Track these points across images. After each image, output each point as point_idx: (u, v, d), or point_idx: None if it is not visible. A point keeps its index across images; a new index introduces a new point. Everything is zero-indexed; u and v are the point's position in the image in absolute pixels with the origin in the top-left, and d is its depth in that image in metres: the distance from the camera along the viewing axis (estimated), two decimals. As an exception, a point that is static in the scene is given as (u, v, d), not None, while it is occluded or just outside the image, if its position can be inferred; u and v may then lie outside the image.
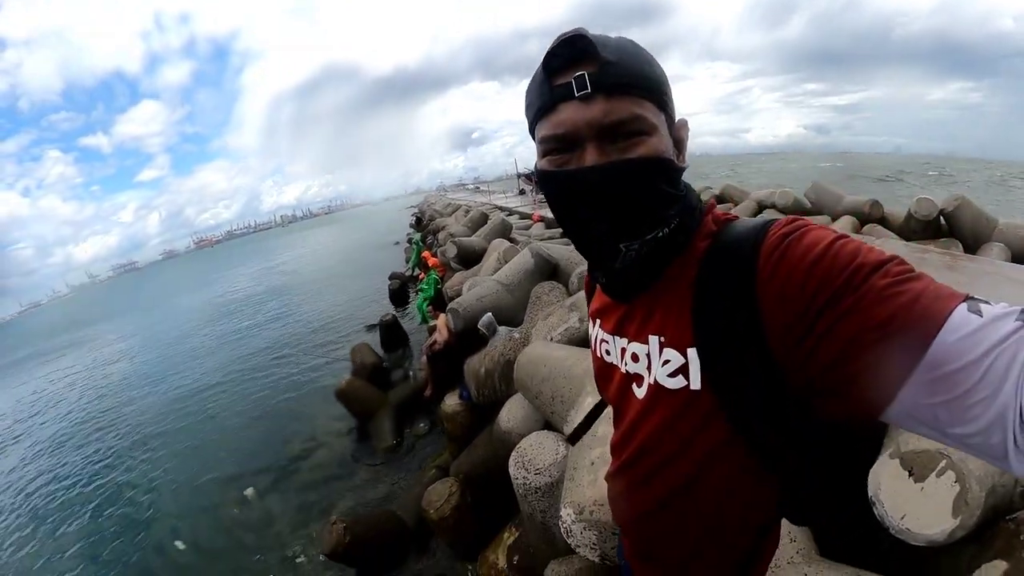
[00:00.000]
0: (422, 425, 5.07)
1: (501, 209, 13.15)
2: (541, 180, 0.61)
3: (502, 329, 4.07)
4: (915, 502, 1.31)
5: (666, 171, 0.58)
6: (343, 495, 4.39)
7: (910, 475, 1.33)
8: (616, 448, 0.77)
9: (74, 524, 5.51)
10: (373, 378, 5.89)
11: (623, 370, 0.71)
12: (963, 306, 0.40)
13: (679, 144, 0.63)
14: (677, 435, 0.63)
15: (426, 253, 9.59)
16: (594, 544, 1.69)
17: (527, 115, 0.62)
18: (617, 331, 0.72)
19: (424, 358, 5.19)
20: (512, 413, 2.95)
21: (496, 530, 2.75)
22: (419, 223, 22.67)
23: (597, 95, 0.53)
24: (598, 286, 0.79)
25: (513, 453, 2.27)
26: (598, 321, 0.79)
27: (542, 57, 0.56)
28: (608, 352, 0.75)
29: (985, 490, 1.26)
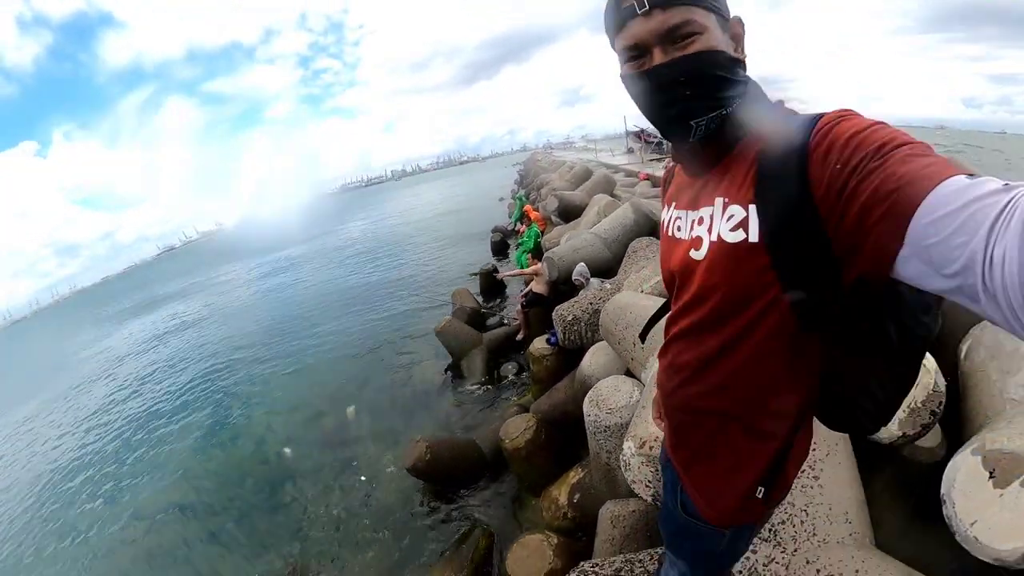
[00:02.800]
0: (511, 367, 5.30)
1: (607, 167, 12.74)
2: (624, 83, 0.75)
3: (594, 280, 4.11)
4: (991, 509, 1.20)
5: (720, 60, 0.69)
6: (432, 420, 4.79)
7: (990, 477, 1.23)
8: (677, 315, 0.86)
9: (205, 422, 6.57)
10: (470, 320, 6.24)
11: (688, 237, 0.80)
12: (963, 175, 0.46)
13: (736, 39, 0.74)
14: (732, 288, 0.72)
15: (528, 207, 9.72)
16: (649, 482, 1.76)
17: (608, 35, 0.75)
18: (691, 205, 0.82)
19: (520, 304, 5.41)
20: (596, 359, 3.03)
21: (564, 469, 2.89)
22: (522, 181, 22.65)
23: (654, 9, 0.66)
24: (676, 171, 0.92)
25: (590, 392, 2.36)
26: (672, 204, 0.90)
27: None
28: (679, 228, 0.84)
29: (1077, 512, 1.13)
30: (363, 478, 4.18)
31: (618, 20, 0.71)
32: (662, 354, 0.94)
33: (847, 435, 1.79)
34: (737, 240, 0.69)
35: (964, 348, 2.14)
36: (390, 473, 4.07)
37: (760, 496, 0.82)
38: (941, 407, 1.66)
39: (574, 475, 2.76)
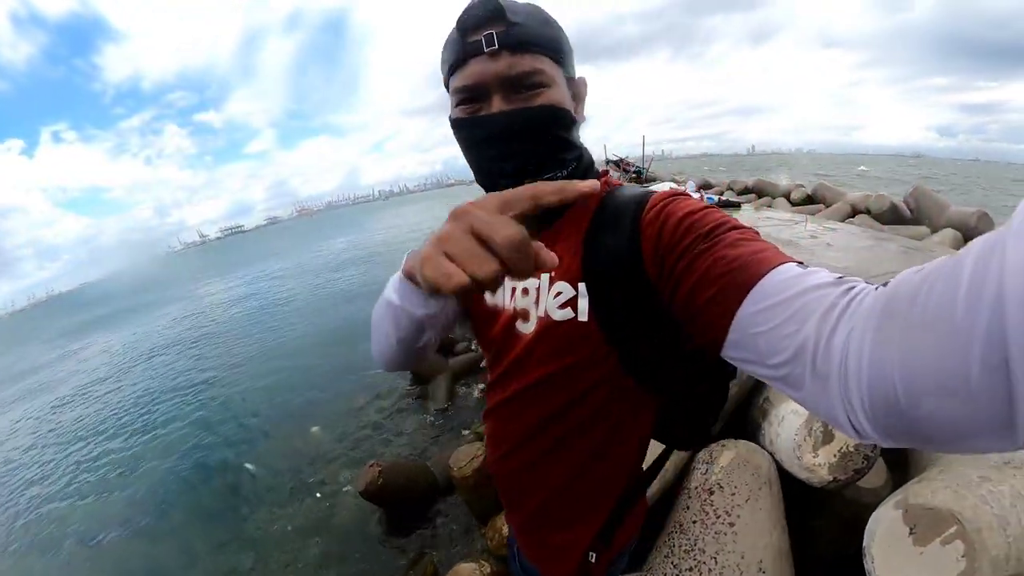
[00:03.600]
0: (475, 393, 5.32)
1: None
2: (454, 127, 0.69)
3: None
4: (909, 568, 1.15)
5: (562, 119, 0.66)
6: (393, 444, 4.84)
7: (911, 533, 1.16)
8: (496, 386, 0.82)
9: (167, 437, 6.57)
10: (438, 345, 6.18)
11: (510, 307, 0.75)
12: (793, 263, 0.47)
13: (577, 98, 0.71)
14: (563, 364, 0.69)
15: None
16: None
17: (442, 70, 0.68)
18: None
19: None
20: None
21: None
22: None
23: (503, 51, 0.61)
24: None
25: (487, 461, 2.28)
26: None
27: (457, 17, 0.63)
28: (491, 294, 0.80)
29: (1000, 576, 1.08)
30: (319, 495, 4.25)
31: (459, 56, 0.64)
32: (485, 419, 0.89)
33: (776, 479, 1.69)
34: (565, 318, 0.67)
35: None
36: (348, 495, 4.10)
37: (593, 561, 0.79)
38: (876, 451, 1.59)
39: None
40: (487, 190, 0.69)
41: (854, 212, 7.30)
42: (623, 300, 0.61)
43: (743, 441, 1.83)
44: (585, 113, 0.71)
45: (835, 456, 1.57)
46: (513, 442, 0.80)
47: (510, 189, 0.45)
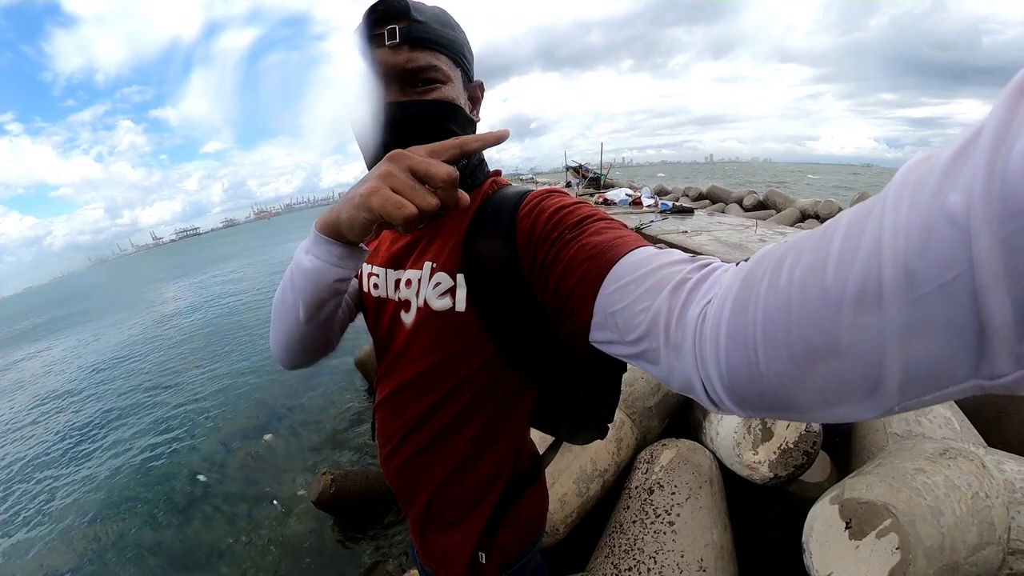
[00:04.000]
0: None
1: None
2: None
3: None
4: (846, 561, 1.13)
5: (456, 115, 0.68)
6: (348, 451, 4.74)
7: (847, 527, 1.14)
8: (383, 378, 0.81)
9: (115, 446, 6.20)
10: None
11: (394, 298, 0.75)
12: (652, 247, 0.48)
13: (474, 100, 0.75)
14: (443, 353, 0.70)
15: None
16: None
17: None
18: (395, 263, 0.76)
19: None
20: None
21: None
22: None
23: (403, 46, 0.63)
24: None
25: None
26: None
27: (365, 9, 0.65)
28: (376, 286, 0.79)
29: (934, 568, 1.06)
30: (273, 503, 4.11)
31: (363, 46, 0.66)
32: (375, 414, 0.87)
33: (718, 477, 1.65)
34: (444, 308, 0.68)
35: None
36: (302, 504, 3.97)
37: (483, 562, 0.79)
38: (816, 447, 1.57)
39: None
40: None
41: (804, 217, 7.58)
42: (499, 292, 0.62)
43: (685, 440, 1.79)
44: (482, 114, 0.76)
45: (775, 453, 1.54)
46: (399, 437, 0.78)
47: (437, 141, 0.54)
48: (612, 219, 0.56)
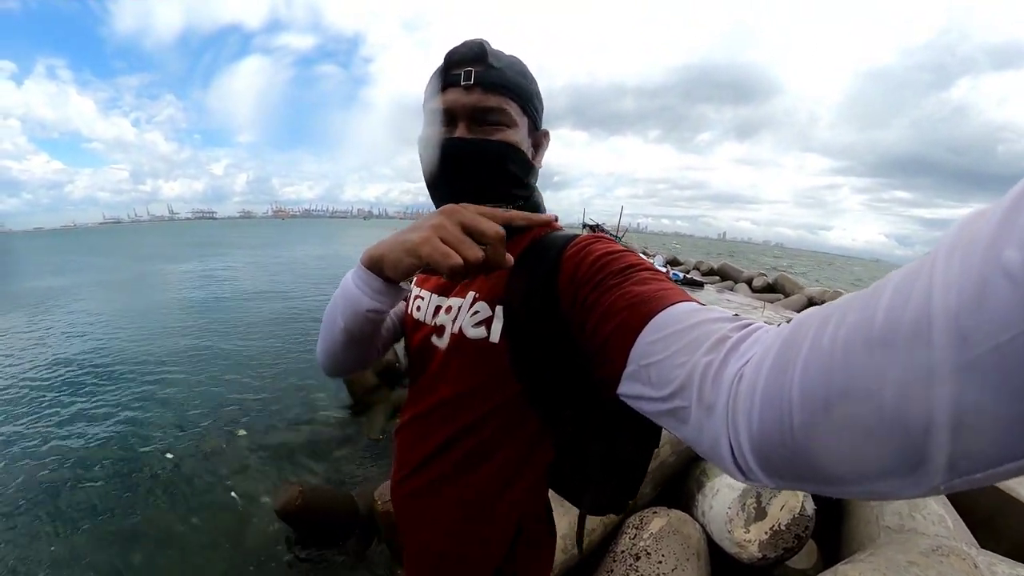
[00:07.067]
0: None
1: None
2: (420, 144, 0.75)
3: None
4: None
5: (516, 157, 0.71)
6: (320, 464, 4.64)
7: None
8: (411, 399, 0.83)
9: (87, 404, 6.24)
10: (383, 374, 6.01)
11: (431, 323, 0.78)
12: (695, 302, 0.47)
13: (537, 147, 0.78)
14: (471, 381, 0.71)
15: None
16: None
17: (425, 94, 0.75)
18: (441, 290, 0.80)
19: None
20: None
21: None
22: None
23: (476, 87, 0.68)
24: None
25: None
26: (414, 281, 0.88)
27: (447, 51, 0.71)
28: (419, 308, 0.82)
29: None
30: (231, 499, 4.01)
31: (440, 85, 0.71)
32: (396, 436, 0.87)
33: (705, 551, 1.63)
34: (478, 337, 0.69)
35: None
36: (264, 509, 3.82)
37: None
38: (808, 531, 1.55)
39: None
40: (437, 205, 0.75)
41: (811, 304, 7.60)
42: (534, 327, 0.63)
43: (675, 511, 1.77)
44: (541, 162, 0.79)
45: (766, 533, 1.52)
46: (414, 463, 0.79)
47: (486, 206, 0.59)
48: (657, 270, 0.56)
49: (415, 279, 0.86)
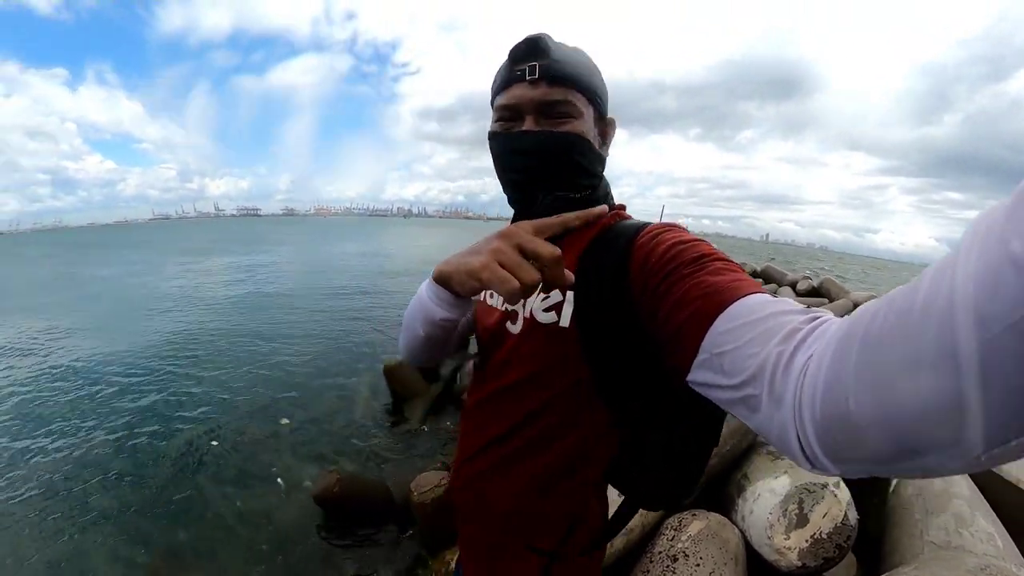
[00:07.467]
0: (449, 423, 5.23)
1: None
2: (490, 140, 0.78)
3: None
4: None
5: (583, 147, 0.73)
6: (356, 453, 4.78)
7: None
8: (478, 385, 0.84)
9: (137, 396, 6.45)
10: (422, 367, 6.13)
11: (502, 308, 0.80)
12: (768, 294, 0.48)
13: (604, 136, 0.79)
14: (540, 364, 0.72)
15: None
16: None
17: (492, 90, 0.78)
18: None
19: (474, 364, 5.36)
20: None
21: None
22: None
23: (541, 81, 0.70)
24: None
25: (452, 468, 2.24)
26: None
27: (510, 47, 0.72)
28: (492, 295, 0.85)
29: None
30: (275, 484, 4.20)
31: (506, 81, 0.73)
32: (462, 420, 0.90)
33: (743, 557, 1.64)
34: (549, 321, 0.70)
35: (894, 481, 2.11)
36: (303, 494, 3.97)
37: None
38: (849, 542, 1.54)
39: (470, 544, 2.58)
40: (510, 199, 0.80)
41: (856, 307, 7.33)
42: (604, 313, 0.64)
43: (715, 514, 1.78)
44: (610, 153, 0.80)
45: (807, 541, 1.53)
46: (482, 444, 0.80)
47: (544, 218, 0.66)
48: (730, 260, 0.56)
49: None
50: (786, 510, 1.60)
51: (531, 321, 0.73)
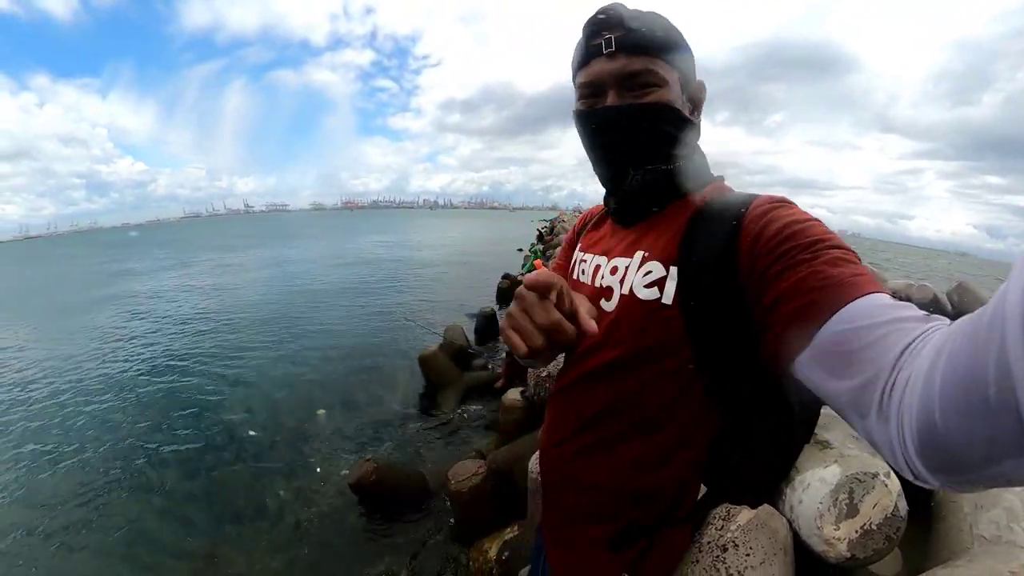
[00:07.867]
0: (482, 411, 5.31)
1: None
2: (575, 118, 0.76)
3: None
4: None
5: (670, 116, 0.70)
6: (393, 441, 4.91)
7: None
8: (570, 365, 0.82)
9: (176, 389, 6.78)
10: (455, 357, 6.25)
11: (595, 285, 0.78)
12: (887, 294, 0.47)
13: (694, 102, 0.75)
14: (640, 343, 0.69)
15: (537, 261, 9.79)
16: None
17: (571, 69, 0.76)
18: (604, 251, 0.80)
19: (507, 353, 5.41)
20: (557, 419, 2.98)
21: (503, 524, 2.83)
22: (541, 238, 23.38)
23: (620, 53, 0.68)
24: (594, 221, 0.91)
25: (539, 451, 2.28)
26: (579, 247, 0.90)
27: (584, 22, 0.71)
28: (583, 272, 0.83)
29: None
30: (313, 474, 4.34)
31: (584, 57, 0.72)
32: (549, 402, 0.89)
33: (791, 547, 1.66)
34: (650, 298, 0.68)
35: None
36: (339, 483, 4.13)
37: None
38: (899, 533, 1.55)
39: (509, 532, 2.68)
40: (600, 176, 0.79)
41: (895, 298, 7.17)
42: (711, 290, 0.61)
43: (763, 504, 1.79)
44: (700, 117, 0.76)
45: (856, 532, 1.54)
46: (577, 425, 0.78)
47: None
48: (849, 248, 0.53)
49: (580, 244, 0.90)
50: (836, 500, 1.61)
51: (630, 298, 0.70)
